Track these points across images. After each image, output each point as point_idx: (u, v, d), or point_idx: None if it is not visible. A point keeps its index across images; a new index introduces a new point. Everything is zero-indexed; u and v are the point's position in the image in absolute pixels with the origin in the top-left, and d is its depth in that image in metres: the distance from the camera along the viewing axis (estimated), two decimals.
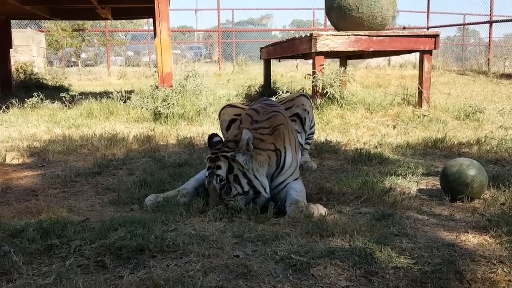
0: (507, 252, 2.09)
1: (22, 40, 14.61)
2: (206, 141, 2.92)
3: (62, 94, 7.54)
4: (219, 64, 19.27)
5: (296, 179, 2.99)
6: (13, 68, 11.46)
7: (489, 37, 14.62)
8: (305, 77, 7.47)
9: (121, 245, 2.07)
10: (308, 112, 3.94)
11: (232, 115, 3.66)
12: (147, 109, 6.55)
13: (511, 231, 2.29)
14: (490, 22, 14.65)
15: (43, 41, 16.25)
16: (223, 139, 3.05)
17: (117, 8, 10.23)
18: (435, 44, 6.92)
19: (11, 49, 10.57)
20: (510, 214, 2.57)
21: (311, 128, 4.06)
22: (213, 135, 2.95)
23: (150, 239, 2.14)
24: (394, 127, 5.77)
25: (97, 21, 18.13)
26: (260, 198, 2.75)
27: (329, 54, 7.24)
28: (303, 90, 8.10)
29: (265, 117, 3.08)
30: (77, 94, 7.85)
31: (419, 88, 7.00)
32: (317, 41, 6.63)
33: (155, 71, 8.30)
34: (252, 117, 3.10)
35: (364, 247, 2.08)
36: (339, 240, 2.21)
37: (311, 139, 4.20)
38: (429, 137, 5.03)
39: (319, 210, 2.62)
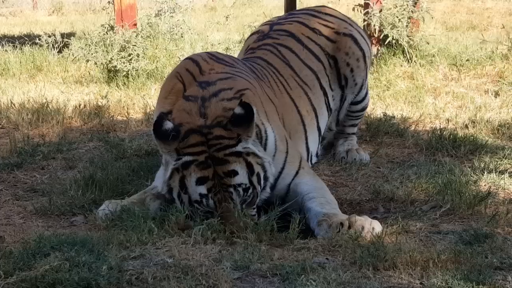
0: None
1: None
2: (152, 132, 2.84)
3: None
4: None
5: (299, 171, 3.06)
6: None
7: None
8: (353, 9, 7.43)
9: (55, 280, 2.08)
10: (352, 70, 3.87)
11: None
12: (95, 64, 6.53)
13: None
14: None
15: None
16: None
17: None
18: None
19: None
20: None
21: (358, 96, 3.97)
22: (161, 120, 2.83)
23: (101, 271, 2.15)
24: (497, 94, 5.72)
25: None
26: (260, 195, 2.90)
27: None
28: None
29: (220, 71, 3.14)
30: None
31: None
32: None
33: (108, 2, 8.25)
34: (197, 72, 3.14)
35: (445, 286, 2.07)
36: (405, 275, 2.20)
37: (359, 117, 4.12)
38: None
39: (372, 226, 2.63)
